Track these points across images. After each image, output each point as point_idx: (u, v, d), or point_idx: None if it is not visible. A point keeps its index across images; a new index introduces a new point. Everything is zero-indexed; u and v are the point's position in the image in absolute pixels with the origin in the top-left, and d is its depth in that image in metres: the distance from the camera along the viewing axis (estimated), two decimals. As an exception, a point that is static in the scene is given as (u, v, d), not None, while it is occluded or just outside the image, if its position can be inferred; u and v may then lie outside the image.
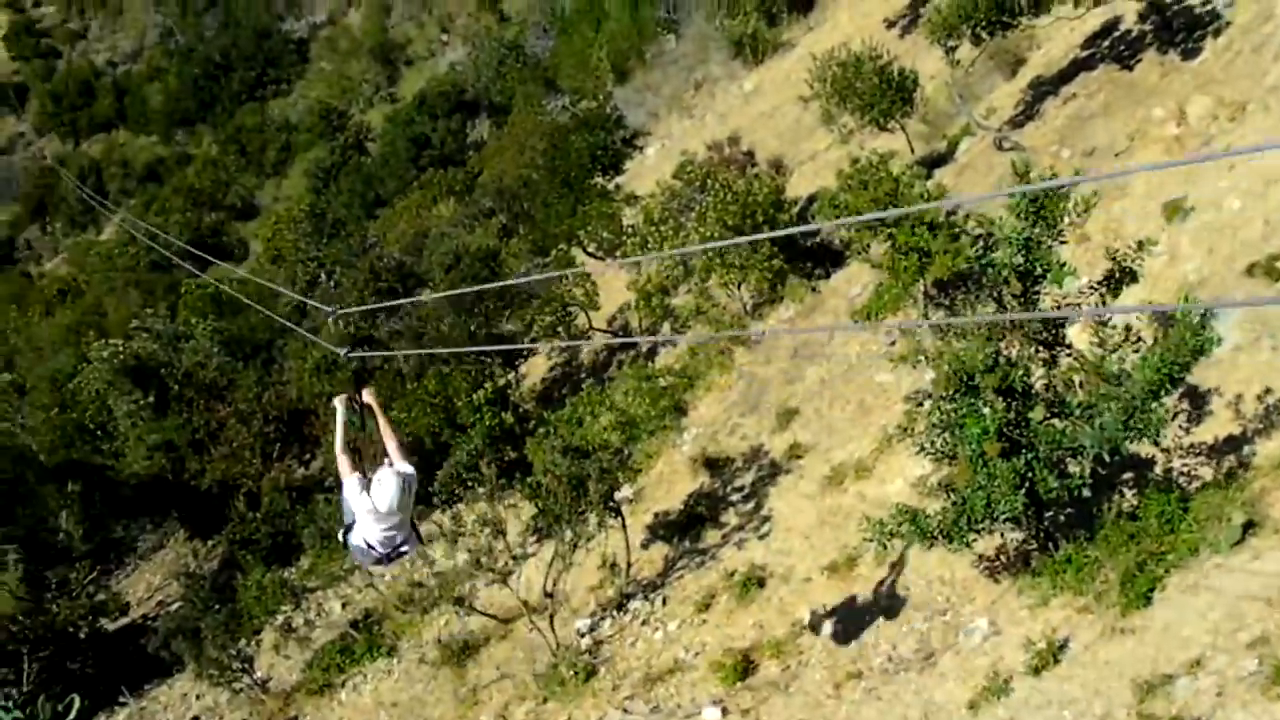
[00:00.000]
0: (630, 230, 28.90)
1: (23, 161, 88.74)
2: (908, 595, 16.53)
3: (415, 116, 54.24)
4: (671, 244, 26.20)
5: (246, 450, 30.16)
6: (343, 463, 9.85)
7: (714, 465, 22.11)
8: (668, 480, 22.84)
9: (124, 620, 28.69)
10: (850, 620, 16.80)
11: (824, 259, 25.80)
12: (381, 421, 10.10)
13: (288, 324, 17.10)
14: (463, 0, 75.78)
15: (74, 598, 27.20)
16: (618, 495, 20.79)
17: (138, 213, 67.96)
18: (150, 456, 31.56)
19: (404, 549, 9.93)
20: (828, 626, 16.85)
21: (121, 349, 33.81)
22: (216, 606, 23.64)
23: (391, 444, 9.93)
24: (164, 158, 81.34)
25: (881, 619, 16.47)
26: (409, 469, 9.76)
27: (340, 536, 10.13)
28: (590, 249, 31.20)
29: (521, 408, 26.51)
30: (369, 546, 9.82)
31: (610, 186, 33.86)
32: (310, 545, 26.97)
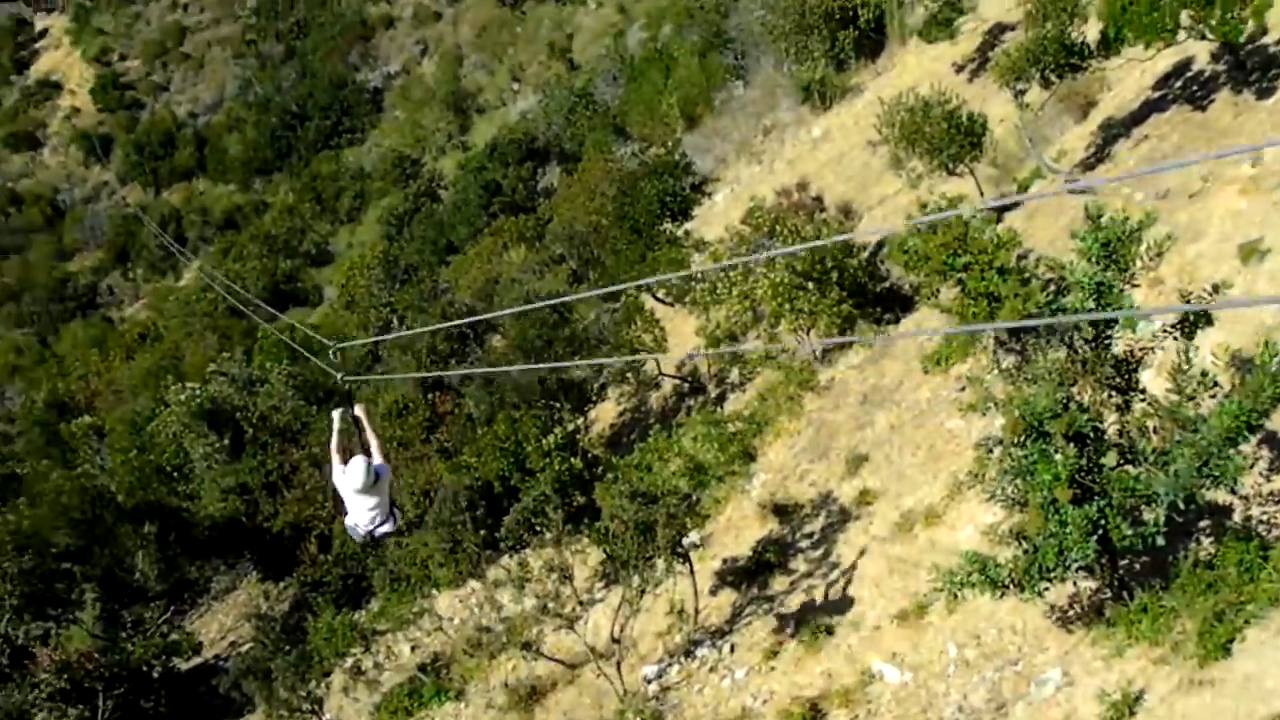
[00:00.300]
0: (699, 276, 28.97)
1: (107, 209, 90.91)
2: (979, 644, 16.29)
3: (486, 164, 54.83)
4: (740, 289, 26.20)
5: (319, 493, 30.46)
6: (334, 458, 12.83)
7: (783, 511, 21.99)
8: (736, 526, 22.74)
9: (197, 660, 29.04)
10: (920, 669, 16.59)
11: (894, 304, 25.69)
12: (367, 429, 12.98)
13: (294, 345, 17.91)
14: (533, 49, 76.83)
15: (148, 637, 27.61)
16: (686, 541, 20.73)
17: (216, 259, 69.31)
18: (225, 499, 32.02)
19: (384, 527, 12.80)
20: (897, 675, 16.65)
21: (198, 393, 34.42)
22: (287, 648, 23.86)
23: (373, 446, 12.84)
24: (242, 205, 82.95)
25: (952, 668, 16.24)
26: (380, 462, 12.73)
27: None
28: (659, 295, 31.30)
29: (590, 453, 26.59)
30: (356, 525, 12.73)
31: (679, 232, 33.98)
32: (380, 588, 27.19)
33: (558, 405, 28.52)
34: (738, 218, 29.11)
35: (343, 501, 12.85)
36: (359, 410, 13.08)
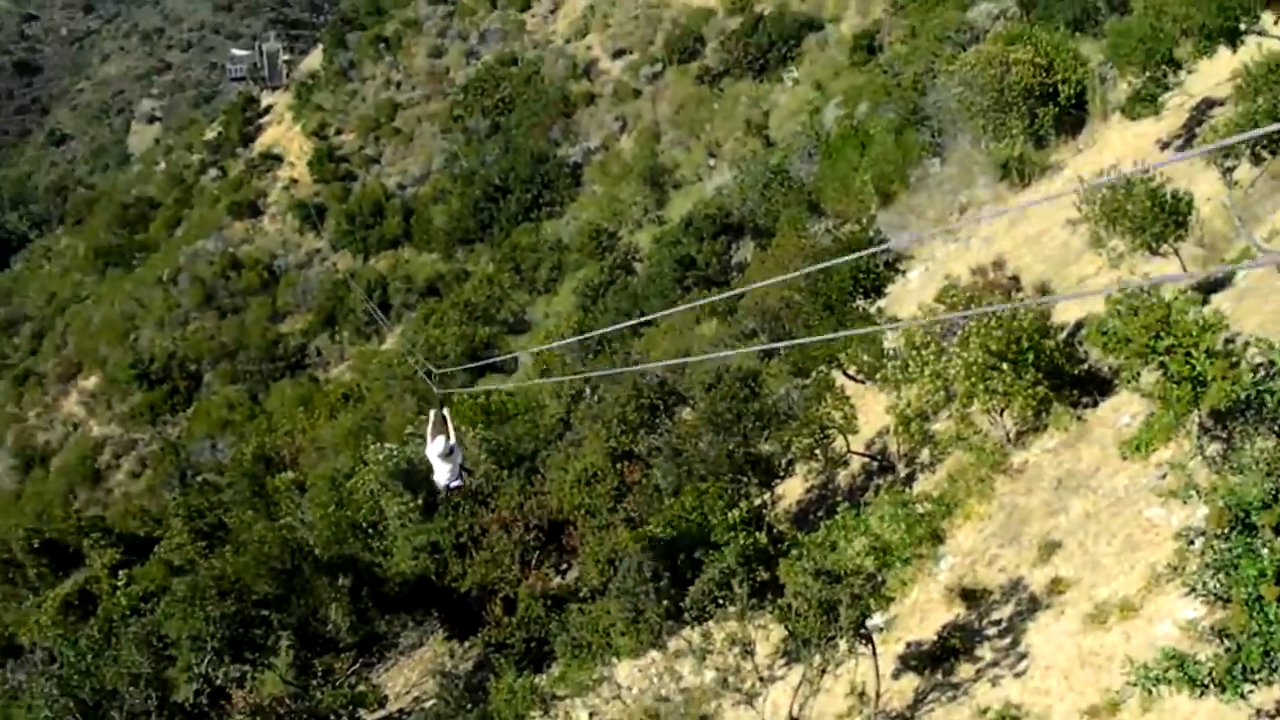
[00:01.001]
0: (891, 354, 28.67)
1: (318, 275, 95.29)
2: (1177, 746, 15.55)
3: (682, 238, 55.57)
4: (933, 368, 25.81)
5: (506, 556, 31.03)
6: (428, 436, 20.91)
7: (970, 597, 21.43)
8: (921, 610, 22.27)
9: (380, 713, 29.69)
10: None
11: (1091, 387, 24.95)
12: (449, 423, 21.01)
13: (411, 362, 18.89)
14: (730, 126, 77.82)
15: (337, 687, 28.41)
16: (869, 622, 20.39)
17: (418, 324, 71.78)
18: (416, 557, 32.86)
19: (455, 482, 21.13)
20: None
21: (396, 453, 35.55)
22: (469, 706, 24.28)
23: (451, 433, 20.76)
24: (444, 274, 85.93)
25: (1147, 769, 15.53)
26: (453, 443, 20.78)
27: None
28: (850, 371, 31.07)
29: (775, 528, 26.44)
30: (438, 480, 21.11)
31: (872, 310, 33.76)
32: (562, 654, 27.43)
33: (745, 479, 28.48)
34: (931, 295, 28.77)
35: (431, 466, 21.00)
36: (446, 412, 21.18)
